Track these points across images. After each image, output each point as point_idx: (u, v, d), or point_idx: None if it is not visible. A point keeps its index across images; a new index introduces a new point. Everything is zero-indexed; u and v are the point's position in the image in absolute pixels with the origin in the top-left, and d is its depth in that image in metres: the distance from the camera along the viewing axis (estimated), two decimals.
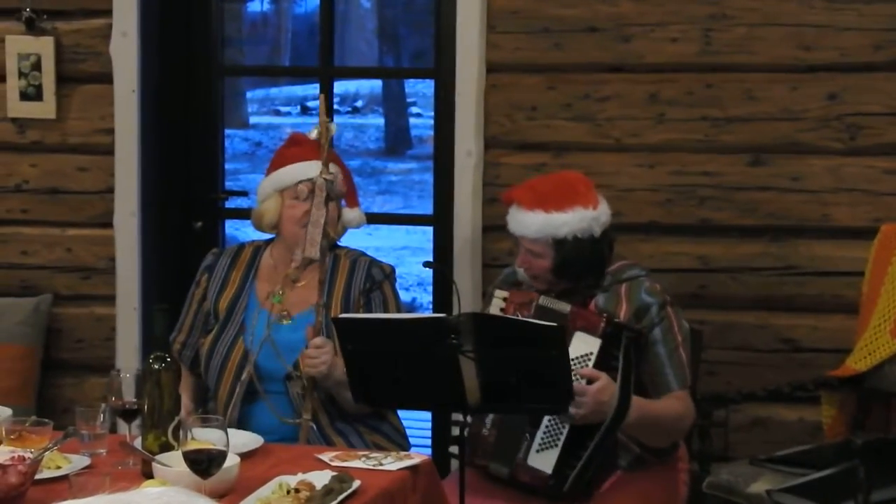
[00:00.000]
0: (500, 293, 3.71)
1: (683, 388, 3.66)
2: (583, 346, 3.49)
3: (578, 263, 3.67)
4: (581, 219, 3.67)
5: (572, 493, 3.51)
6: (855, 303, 4.17)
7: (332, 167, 3.80)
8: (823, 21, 4.26)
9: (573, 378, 3.35)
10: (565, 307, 3.57)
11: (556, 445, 3.50)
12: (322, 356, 3.68)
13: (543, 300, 3.62)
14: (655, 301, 3.66)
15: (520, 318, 3.56)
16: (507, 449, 3.56)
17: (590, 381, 3.43)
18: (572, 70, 4.43)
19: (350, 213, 3.97)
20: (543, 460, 3.51)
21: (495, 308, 3.67)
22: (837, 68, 4.27)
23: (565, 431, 3.49)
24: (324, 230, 3.72)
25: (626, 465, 3.66)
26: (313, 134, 3.74)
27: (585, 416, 3.42)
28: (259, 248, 4.03)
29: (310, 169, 3.82)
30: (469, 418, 3.30)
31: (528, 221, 3.69)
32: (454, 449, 3.39)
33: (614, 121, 4.41)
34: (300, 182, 3.85)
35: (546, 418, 3.50)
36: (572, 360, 3.42)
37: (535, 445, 3.52)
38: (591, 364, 3.48)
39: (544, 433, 3.51)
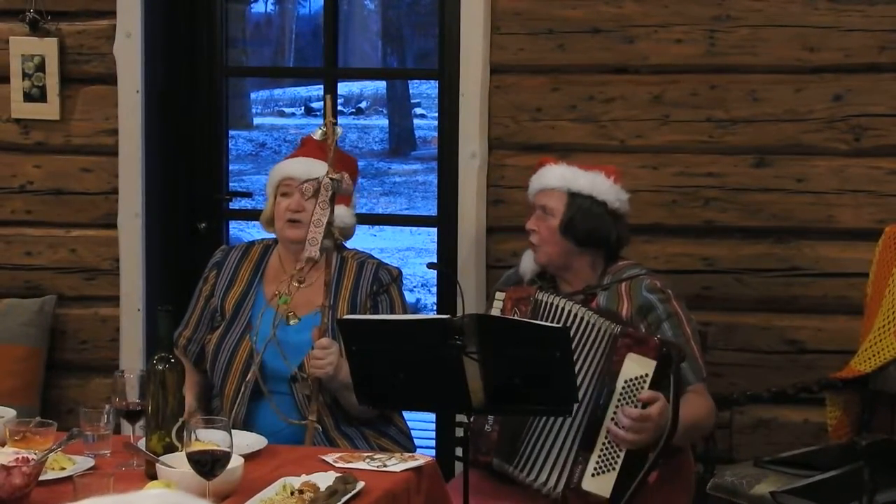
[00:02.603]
0: (500, 294, 3.71)
1: (701, 381, 3.64)
2: (637, 367, 3.41)
3: (586, 225, 3.70)
4: (601, 182, 3.76)
5: None
6: (859, 304, 4.16)
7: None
8: (828, 22, 4.26)
9: (633, 403, 3.35)
10: (609, 326, 3.47)
11: (614, 469, 3.41)
12: (328, 357, 3.67)
13: (541, 295, 3.61)
14: (658, 297, 3.66)
15: (527, 319, 3.55)
16: (537, 458, 3.50)
17: (645, 404, 3.38)
18: (576, 71, 4.42)
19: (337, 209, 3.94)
20: (600, 485, 3.42)
21: (496, 310, 3.66)
22: (842, 69, 4.27)
23: (622, 455, 3.41)
24: (328, 230, 3.71)
25: None
26: (317, 134, 3.73)
27: (645, 441, 3.38)
28: (268, 247, 4.02)
29: (314, 167, 3.81)
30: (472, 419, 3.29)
31: (550, 173, 3.80)
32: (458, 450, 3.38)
33: (618, 122, 4.41)
34: (306, 181, 3.83)
35: (601, 442, 3.43)
36: (627, 381, 3.39)
37: (590, 469, 3.43)
38: (646, 386, 3.40)
39: (600, 457, 3.43)
